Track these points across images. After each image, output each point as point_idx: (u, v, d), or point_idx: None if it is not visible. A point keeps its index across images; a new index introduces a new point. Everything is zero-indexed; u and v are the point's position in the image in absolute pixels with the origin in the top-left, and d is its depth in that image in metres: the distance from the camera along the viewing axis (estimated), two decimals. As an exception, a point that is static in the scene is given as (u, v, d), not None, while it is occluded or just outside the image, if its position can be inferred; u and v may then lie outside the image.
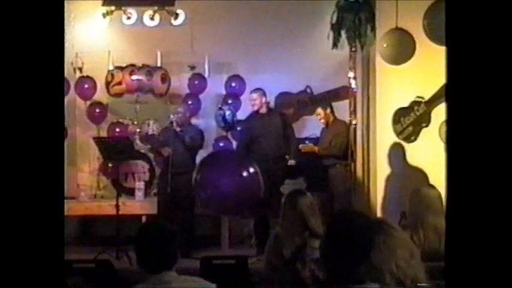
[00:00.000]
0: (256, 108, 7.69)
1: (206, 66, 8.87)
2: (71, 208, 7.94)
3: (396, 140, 7.21)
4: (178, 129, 7.58)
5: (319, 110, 7.75)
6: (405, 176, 7.09)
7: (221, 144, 8.94)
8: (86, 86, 8.79)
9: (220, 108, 8.68)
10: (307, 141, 7.83)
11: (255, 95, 7.71)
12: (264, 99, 7.71)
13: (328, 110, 7.71)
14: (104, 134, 8.79)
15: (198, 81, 8.89)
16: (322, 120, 7.74)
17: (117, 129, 8.76)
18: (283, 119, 7.88)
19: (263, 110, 7.69)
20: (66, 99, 8.69)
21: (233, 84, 8.95)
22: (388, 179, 7.39)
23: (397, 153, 7.26)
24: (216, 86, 8.98)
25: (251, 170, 2.84)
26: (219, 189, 2.54)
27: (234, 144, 8.90)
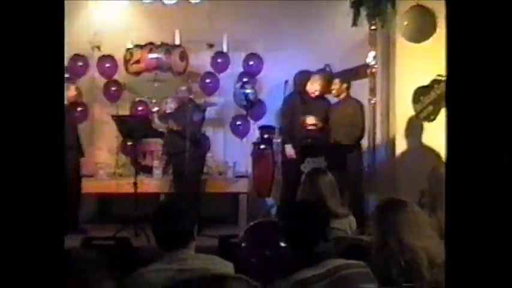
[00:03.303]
0: (315, 94, 7.63)
1: (224, 44, 8.84)
2: (89, 186, 7.99)
3: (415, 118, 7.14)
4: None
5: (336, 81, 7.63)
6: (424, 155, 7.03)
7: (238, 123, 8.92)
8: (108, 64, 8.82)
9: (242, 87, 8.64)
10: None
11: (319, 86, 7.63)
12: None
13: (345, 85, 7.57)
14: (123, 112, 8.79)
15: (221, 60, 8.86)
16: (334, 92, 7.63)
17: (140, 108, 8.79)
18: (328, 103, 7.83)
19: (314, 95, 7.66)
20: (85, 77, 8.74)
21: (251, 63, 8.92)
22: (407, 158, 7.33)
23: (415, 132, 7.19)
24: (234, 64, 8.94)
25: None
26: (264, 259, 2.63)
27: (252, 123, 8.89)
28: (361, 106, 7.56)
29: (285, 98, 7.94)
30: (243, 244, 2.75)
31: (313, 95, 7.65)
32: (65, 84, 7.93)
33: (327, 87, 7.75)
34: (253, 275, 2.74)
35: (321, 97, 7.75)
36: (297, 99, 7.77)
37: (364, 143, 7.62)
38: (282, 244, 2.73)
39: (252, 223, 2.87)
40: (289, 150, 7.58)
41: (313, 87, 7.65)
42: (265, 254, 2.70)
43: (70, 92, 7.73)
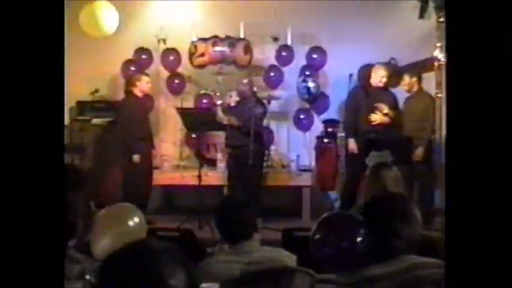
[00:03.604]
0: (381, 84, 7.55)
1: (289, 37, 8.81)
2: (155, 178, 8.10)
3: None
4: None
5: (405, 76, 7.56)
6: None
7: (301, 116, 8.89)
8: (171, 57, 8.93)
9: (304, 80, 8.62)
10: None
11: (384, 72, 7.54)
12: None
13: (414, 79, 7.51)
14: (187, 104, 8.89)
15: (286, 53, 8.84)
16: (405, 88, 7.56)
17: (204, 101, 8.85)
18: (394, 95, 7.73)
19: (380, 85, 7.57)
20: (149, 70, 8.85)
21: (314, 56, 8.86)
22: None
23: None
24: (298, 57, 8.90)
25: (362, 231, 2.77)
26: (339, 251, 2.54)
27: (315, 117, 8.85)
28: (434, 100, 7.45)
29: (349, 92, 7.88)
30: (317, 236, 2.67)
31: (380, 84, 7.54)
32: (137, 75, 8.04)
33: (391, 78, 7.66)
34: (326, 266, 2.69)
35: (385, 89, 7.66)
36: (361, 93, 7.69)
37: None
38: (359, 238, 2.63)
39: (326, 214, 2.80)
40: (352, 144, 7.52)
41: (377, 76, 7.55)
42: (341, 246, 2.61)
43: (145, 84, 7.81)
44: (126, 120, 7.74)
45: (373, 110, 7.50)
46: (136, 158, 7.54)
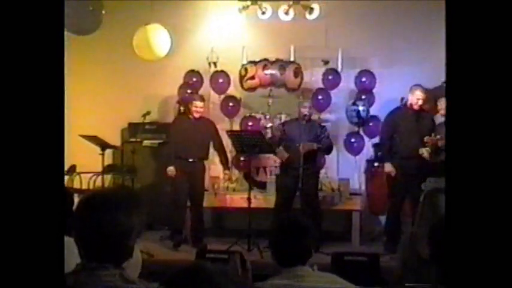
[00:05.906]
0: (418, 106, 7.47)
1: (339, 61, 8.80)
2: (204, 200, 8.11)
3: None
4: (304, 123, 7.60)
5: (442, 99, 7.41)
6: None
7: (352, 140, 8.84)
8: (221, 80, 9.00)
9: (354, 103, 8.59)
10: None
11: (421, 93, 7.46)
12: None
13: None
14: (236, 127, 8.91)
15: (332, 76, 8.82)
16: (442, 112, 7.44)
17: (250, 123, 8.85)
18: (432, 119, 7.63)
19: (416, 107, 7.49)
20: (200, 92, 8.91)
21: (363, 79, 8.83)
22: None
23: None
24: (348, 81, 8.88)
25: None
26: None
27: (366, 140, 8.79)
28: None
29: (387, 114, 7.83)
30: None
31: (416, 107, 7.43)
32: (191, 98, 8.07)
33: (428, 101, 7.54)
34: None
35: (424, 112, 7.55)
36: (399, 115, 7.59)
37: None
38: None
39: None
40: (388, 167, 7.47)
41: (413, 98, 7.45)
42: None
43: (194, 108, 7.79)
44: (171, 139, 7.89)
45: (411, 133, 7.39)
46: (171, 170, 7.64)
